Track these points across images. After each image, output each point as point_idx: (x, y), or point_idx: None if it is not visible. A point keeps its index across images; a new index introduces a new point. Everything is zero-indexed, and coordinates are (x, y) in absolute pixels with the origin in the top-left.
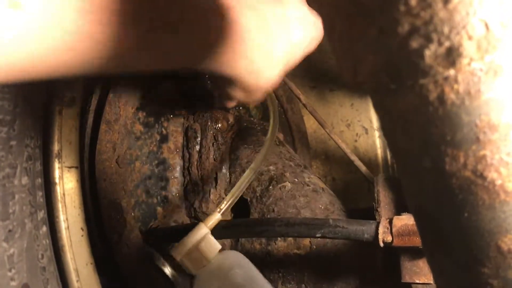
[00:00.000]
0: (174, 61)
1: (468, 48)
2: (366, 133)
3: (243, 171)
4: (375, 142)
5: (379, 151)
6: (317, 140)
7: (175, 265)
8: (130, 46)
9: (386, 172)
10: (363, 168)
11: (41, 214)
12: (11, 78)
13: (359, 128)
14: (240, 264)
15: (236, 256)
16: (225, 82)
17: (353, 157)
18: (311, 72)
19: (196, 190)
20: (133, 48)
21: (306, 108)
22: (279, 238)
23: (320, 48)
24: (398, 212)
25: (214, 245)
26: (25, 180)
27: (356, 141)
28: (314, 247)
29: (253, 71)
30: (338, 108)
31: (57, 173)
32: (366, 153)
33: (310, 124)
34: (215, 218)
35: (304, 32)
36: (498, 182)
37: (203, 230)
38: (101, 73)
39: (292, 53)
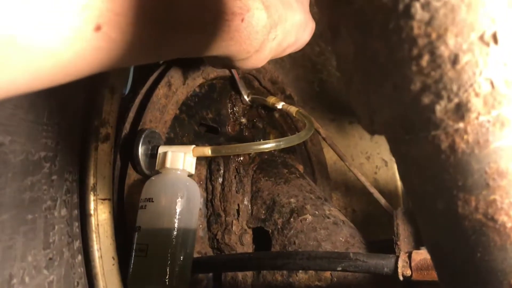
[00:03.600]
0: (183, 53)
1: (476, 104)
2: (386, 165)
3: (265, 203)
4: (395, 174)
5: (399, 183)
6: (337, 172)
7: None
8: (143, 48)
9: (406, 204)
10: (382, 200)
11: (77, 243)
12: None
13: (379, 160)
14: (191, 196)
15: (195, 190)
16: (228, 61)
17: (372, 190)
18: (331, 104)
19: (219, 222)
20: (145, 49)
21: (326, 141)
22: (300, 270)
23: (339, 81)
24: (417, 245)
25: (191, 165)
26: (64, 211)
27: (376, 173)
28: (335, 279)
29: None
30: (358, 141)
31: (92, 205)
32: (386, 185)
33: (330, 155)
34: (206, 149)
35: (304, 37)
36: (509, 224)
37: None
38: (114, 68)
39: (286, 50)
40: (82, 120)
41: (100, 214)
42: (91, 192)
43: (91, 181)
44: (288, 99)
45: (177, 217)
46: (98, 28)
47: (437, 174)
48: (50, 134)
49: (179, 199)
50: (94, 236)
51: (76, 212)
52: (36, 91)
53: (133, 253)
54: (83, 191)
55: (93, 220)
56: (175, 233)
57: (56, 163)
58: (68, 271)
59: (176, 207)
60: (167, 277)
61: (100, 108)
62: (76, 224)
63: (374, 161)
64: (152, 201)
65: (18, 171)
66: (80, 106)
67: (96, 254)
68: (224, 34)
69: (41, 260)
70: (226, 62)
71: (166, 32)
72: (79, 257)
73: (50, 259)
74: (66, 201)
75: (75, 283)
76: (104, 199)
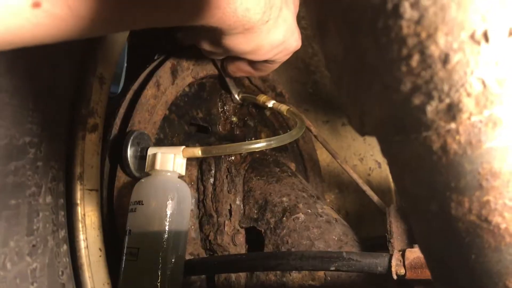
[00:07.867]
0: (164, 22)
1: (468, 104)
2: (379, 167)
3: (257, 203)
4: (389, 175)
5: (393, 185)
6: (331, 174)
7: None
8: (100, 22)
9: (399, 203)
10: (375, 198)
11: (62, 233)
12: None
13: (372, 162)
14: (182, 197)
15: (186, 191)
16: (216, 35)
17: (365, 187)
18: (324, 106)
19: (211, 222)
20: (103, 23)
21: (317, 139)
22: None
23: (332, 82)
24: (411, 242)
25: (181, 166)
26: (49, 199)
27: (369, 175)
28: (329, 278)
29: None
30: (351, 142)
31: (78, 194)
32: (380, 187)
33: (323, 157)
34: (196, 150)
35: (291, 41)
36: (503, 226)
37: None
38: (88, 36)
39: (272, 49)
40: (69, 108)
41: (87, 205)
42: (78, 181)
43: (78, 170)
44: (279, 97)
45: (168, 219)
46: (36, 4)
47: (429, 175)
48: (35, 120)
49: (170, 201)
50: (80, 225)
51: (62, 201)
52: (18, 75)
53: (124, 257)
54: (69, 180)
55: (79, 209)
56: (166, 236)
57: (41, 149)
58: (52, 260)
59: (167, 210)
60: (158, 280)
61: (88, 97)
62: (62, 213)
63: (367, 162)
64: (142, 204)
65: (1, 155)
66: (68, 94)
67: (82, 244)
68: (203, 11)
69: (24, 247)
70: (211, 36)
71: (127, 8)
72: (64, 247)
73: (34, 246)
74: (52, 188)
75: (60, 272)
76: (91, 190)
